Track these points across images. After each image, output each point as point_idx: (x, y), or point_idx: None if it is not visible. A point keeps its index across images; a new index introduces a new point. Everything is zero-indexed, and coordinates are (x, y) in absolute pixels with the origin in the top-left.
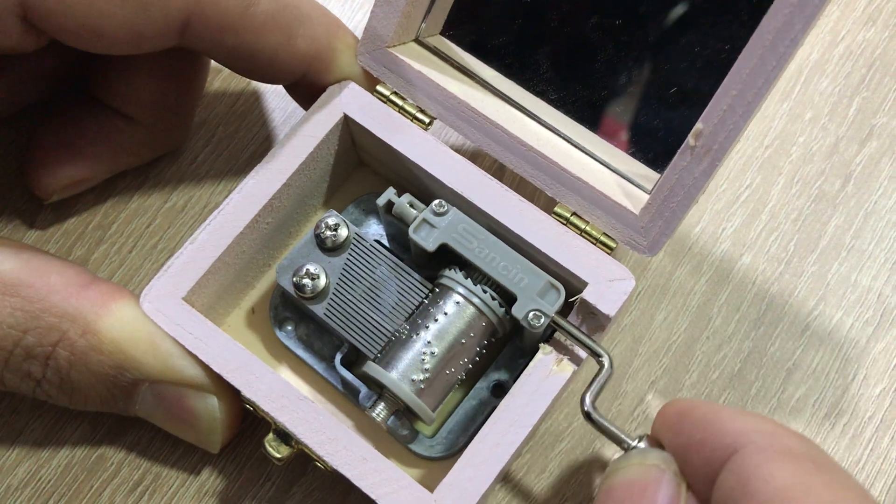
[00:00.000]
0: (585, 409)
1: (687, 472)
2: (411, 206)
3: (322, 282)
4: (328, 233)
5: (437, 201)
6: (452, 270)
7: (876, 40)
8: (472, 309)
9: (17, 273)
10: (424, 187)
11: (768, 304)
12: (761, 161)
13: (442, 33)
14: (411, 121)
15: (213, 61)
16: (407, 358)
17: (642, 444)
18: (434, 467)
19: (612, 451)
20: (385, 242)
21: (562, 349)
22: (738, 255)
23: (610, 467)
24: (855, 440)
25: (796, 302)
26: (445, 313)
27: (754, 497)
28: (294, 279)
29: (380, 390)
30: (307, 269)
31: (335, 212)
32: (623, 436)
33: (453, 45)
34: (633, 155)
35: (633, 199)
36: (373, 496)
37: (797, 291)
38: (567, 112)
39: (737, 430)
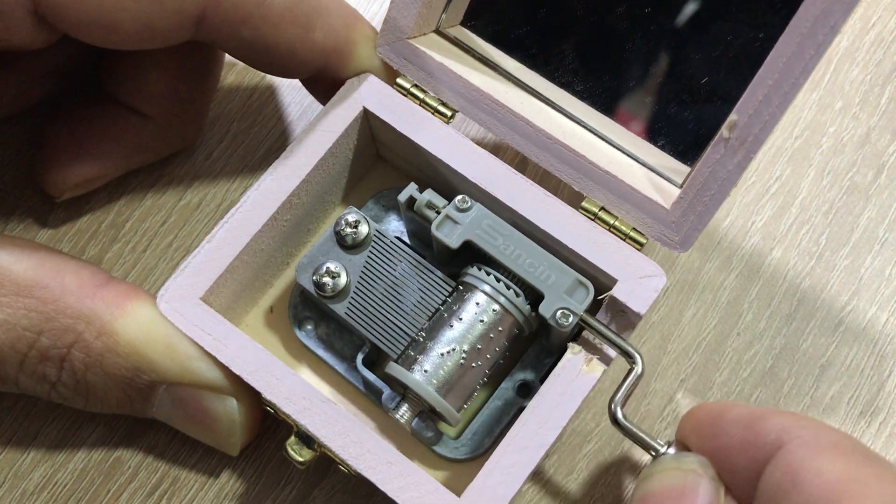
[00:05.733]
0: (614, 414)
1: (726, 475)
2: (433, 202)
3: (343, 280)
4: (348, 230)
5: (460, 197)
6: (476, 268)
7: None
8: (497, 307)
9: (30, 273)
10: (447, 182)
11: (800, 299)
12: (791, 152)
13: (463, 23)
14: (433, 114)
15: (227, 55)
16: (430, 358)
17: (672, 450)
18: (459, 469)
19: (641, 453)
20: (406, 239)
21: (590, 348)
22: (768, 249)
23: (643, 473)
24: (892, 439)
25: (829, 297)
26: (470, 312)
27: (805, 490)
28: (314, 278)
29: (403, 391)
30: (327, 268)
31: (355, 208)
32: (652, 441)
33: (475, 36)
34: (662, 147)
35: (663, 193)
36: (399, 501)
37: (829, 286)
38: (593, 104)
39: (779, 428)
